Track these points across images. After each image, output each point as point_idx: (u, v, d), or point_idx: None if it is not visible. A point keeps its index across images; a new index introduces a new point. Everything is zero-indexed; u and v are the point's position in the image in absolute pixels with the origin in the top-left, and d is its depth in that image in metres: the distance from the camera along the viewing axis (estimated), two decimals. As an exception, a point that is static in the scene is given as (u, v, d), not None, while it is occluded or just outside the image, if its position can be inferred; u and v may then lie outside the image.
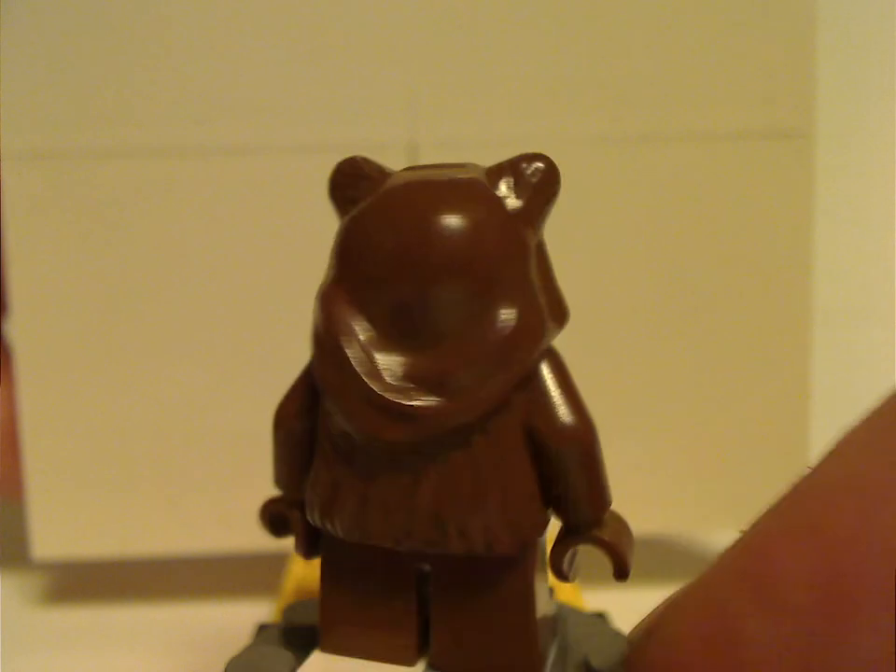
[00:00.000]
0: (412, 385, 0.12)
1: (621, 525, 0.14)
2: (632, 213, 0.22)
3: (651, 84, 0.22)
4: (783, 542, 0.11)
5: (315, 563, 0.14)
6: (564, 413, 0.13)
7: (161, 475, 0.22)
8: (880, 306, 0.31)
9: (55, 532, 0.22)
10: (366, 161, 0.13)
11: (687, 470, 0.23)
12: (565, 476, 0.13)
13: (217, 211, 0.22)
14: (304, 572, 0.19)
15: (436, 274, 0.12)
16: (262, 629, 0.15)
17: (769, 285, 0.23)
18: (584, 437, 0.13)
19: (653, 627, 0.12)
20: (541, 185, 0.13)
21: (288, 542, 0.14)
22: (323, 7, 0.22)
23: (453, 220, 0.12)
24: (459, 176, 0.13)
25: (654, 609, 0.13)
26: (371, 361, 0.12)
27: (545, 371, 0.13)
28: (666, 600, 0.13)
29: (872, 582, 0.09)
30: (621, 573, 0.13)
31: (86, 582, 0.24)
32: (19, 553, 0.23)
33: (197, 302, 0.22)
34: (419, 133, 0.22)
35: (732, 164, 0.22)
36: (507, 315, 0.12)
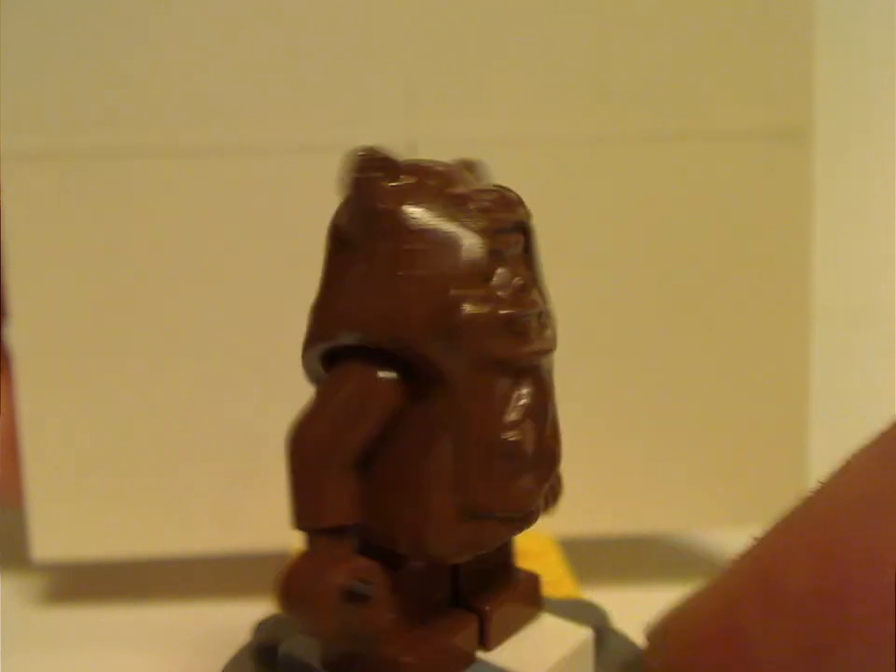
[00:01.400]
0: None
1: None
2: (631, 212, 0.22)
3: (651, 84, 0.22)
4: (792, 553, 0.11)
5: None
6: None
7: (160, 476, 0.22)
8: (880, 306, 0.31)
9: (55, 533, 0.22)
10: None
11: (687, 470, 0.23)
12: None
13: (216, 211, 0.22)
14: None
15: None
16: (260, 627, 0.15)
17: (768, 284, 0.23)
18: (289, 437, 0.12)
19: (669, 626, 0.13)
20: None
21: (290, 542, 0.14)
22: (322, 8, 0.22)
23: None
24: None
25: (670, 609, 0.13)
26: None
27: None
28: (681, 600, 0.13)
29: (871, 593, 0.10)
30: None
31: (86, 583, 0.24)
32: (19, 554, 0.23)
33: (197, 304, 0.22)
34: (417, 133, 0.22)
35: (731, 164, 0.22)
36: None
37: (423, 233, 0.12)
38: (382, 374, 0.12)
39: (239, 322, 0.22)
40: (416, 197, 0.12)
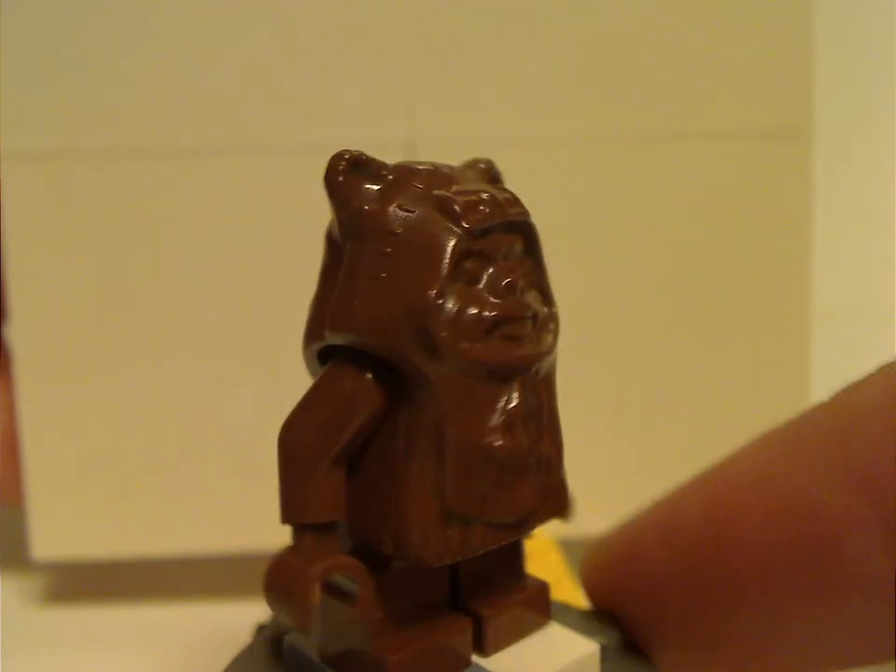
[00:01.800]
0: None
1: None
2: (632, 212, 0.22)
3: (651, 84, 0.22)
4: (687, 494, 0.15)
5: None
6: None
7: (160, 476, 0.22)
8: (880, 306, 0.31)
9: (55, 532, 0.22)
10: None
11: (689, 471, 0.23)
12: None
13: (216, 211, 0.22)
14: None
15: None
16: (261, 629, 0.15)
17: (769, 283, 0.23)
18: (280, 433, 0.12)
19: (592, 556, 0.16)
20: None
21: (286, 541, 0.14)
22: (322, 9, 0.22)
23: None
24: None
25: (595, 541, 0.16)
26: None
27: None
28: (603, 534, 0.16)
29: (748, 513, 0.13)
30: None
31: (86, 583, 0.24)
32: (19, 554, 0.23)
33: (197, 303, 0.22)
34: (417, 133, 0.22)
35: (731, 164, 0.22)
36: None
37: (404, 235, 0.12)
38: (368, 376, 0.12)
39: (239, 322, 0.22)
40: (399, 199, 0.12)
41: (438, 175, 0.13)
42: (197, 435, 0.22)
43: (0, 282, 0.22)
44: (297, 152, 0.22)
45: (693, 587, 0.14)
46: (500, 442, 0.12)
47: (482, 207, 0.12)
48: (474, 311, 0.12)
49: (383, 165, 0.13)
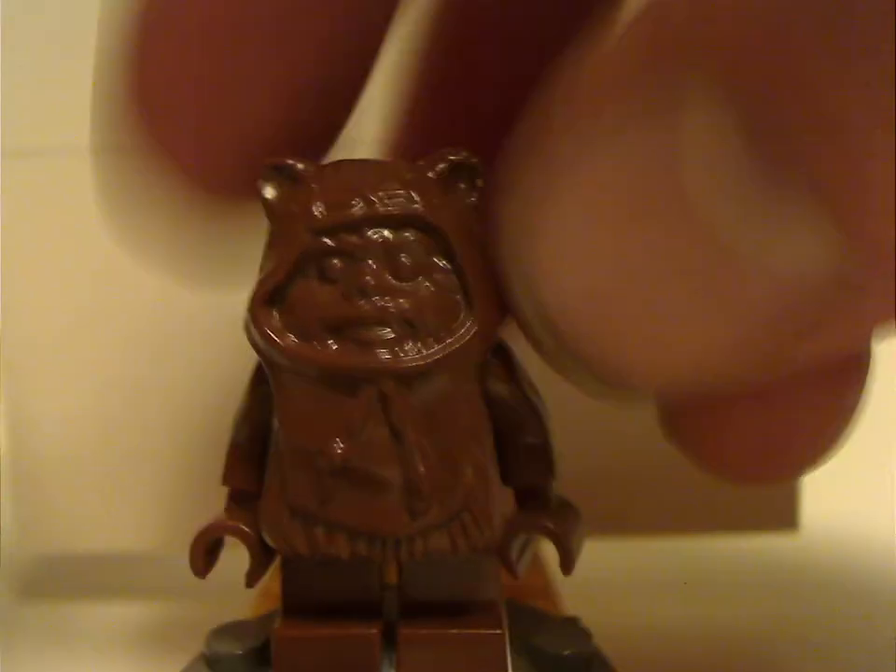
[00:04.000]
0: None
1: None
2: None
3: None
4: None
5: None
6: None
7: (149, 473, 0.22)
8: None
9: (33, 526, 0.22)
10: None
11: (685, 475, 0.23)
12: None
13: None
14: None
15: None
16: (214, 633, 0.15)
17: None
18: None
19: None
20: None
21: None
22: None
23: None
24: None
25: None
26: None
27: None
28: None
29: None
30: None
31: (63, 578, 0.24)
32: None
33: (192, 298, 0.22)
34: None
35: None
36: None
37: (275, 229, 0.13)
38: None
39: (237, 317, 0.22)
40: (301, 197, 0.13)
41: (348, 173, 0.13)
42: (189, 431, 0.22)
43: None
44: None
45: None
46: (323, 449, 0.12)
47: (341, 205, 0.12)
48: (310, 308, 0.12)
49: (301, 170, 0.13)
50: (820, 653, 0.19)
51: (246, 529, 0.13)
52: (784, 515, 0.23)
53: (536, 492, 0.14)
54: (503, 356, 0.13)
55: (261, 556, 0.13)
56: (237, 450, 0.14)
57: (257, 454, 0.14)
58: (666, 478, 0.21)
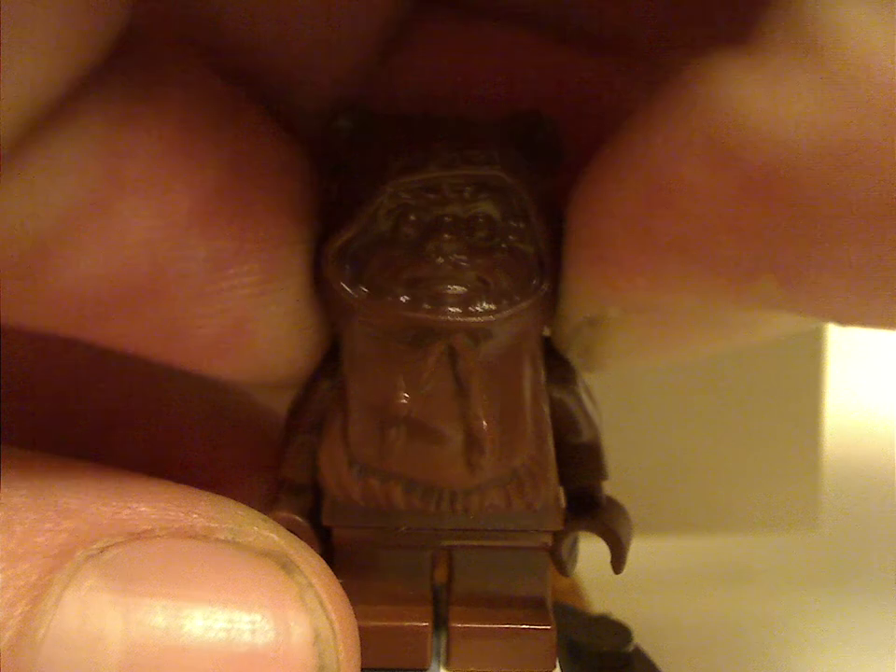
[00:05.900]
0: None
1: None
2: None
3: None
4: None
5: None
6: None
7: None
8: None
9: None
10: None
11: (699, 475, 0.22)
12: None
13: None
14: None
15: None
16: None
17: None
18: None
19: None
20: None
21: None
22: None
23: None
24: None
25: None
26: None
27: None
28: None
29: None
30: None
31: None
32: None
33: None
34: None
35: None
36: None
37: (345, 185, 0.13)
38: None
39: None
40: (368, 155, 0.13)
41: (427, 128, 0.13)
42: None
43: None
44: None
45: None
46: (393, 402, 0.12)
47: (415, 163, 0.12)
48: (384, 262, 0.12)
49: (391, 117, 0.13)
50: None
51: (300, 520, 0.13)
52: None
53: (588, 492, 0.14)
54: (565, 362, 0.13)
55: (314, 546, 0.13)
56: (294, 442, 0.14)
57: (313, 447, 0.13)
58: (690, 479, 0.21)
